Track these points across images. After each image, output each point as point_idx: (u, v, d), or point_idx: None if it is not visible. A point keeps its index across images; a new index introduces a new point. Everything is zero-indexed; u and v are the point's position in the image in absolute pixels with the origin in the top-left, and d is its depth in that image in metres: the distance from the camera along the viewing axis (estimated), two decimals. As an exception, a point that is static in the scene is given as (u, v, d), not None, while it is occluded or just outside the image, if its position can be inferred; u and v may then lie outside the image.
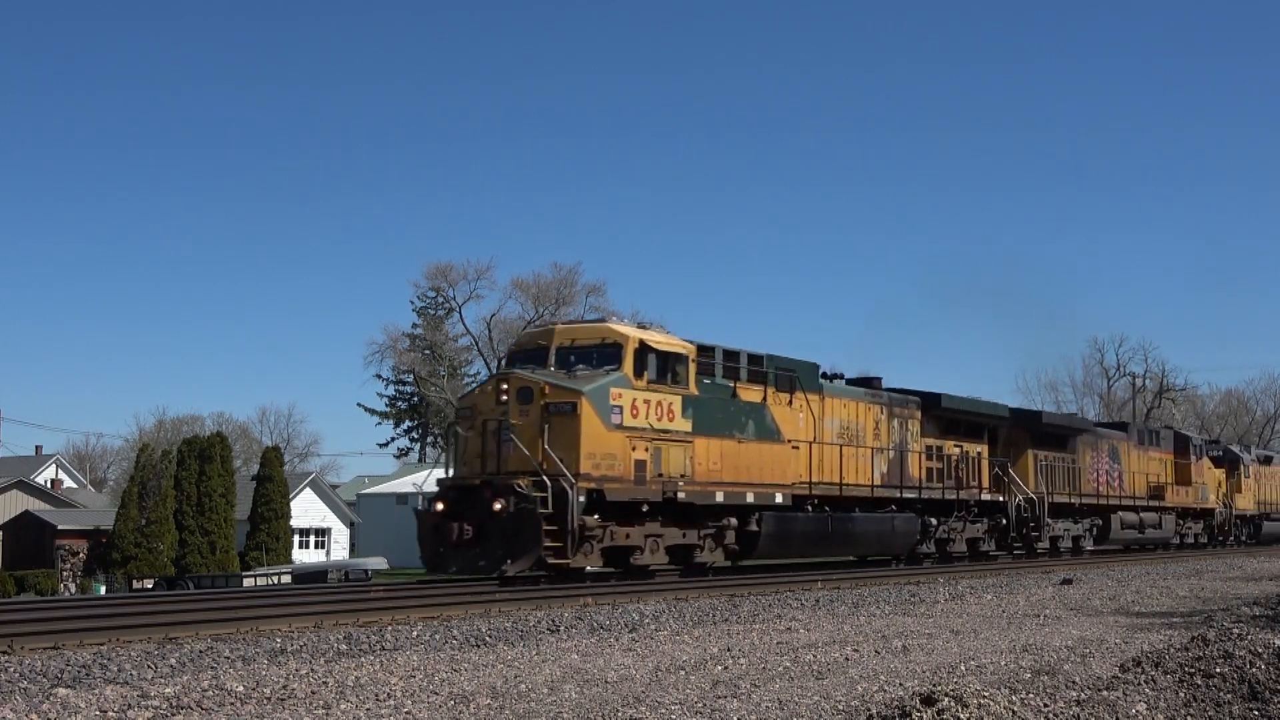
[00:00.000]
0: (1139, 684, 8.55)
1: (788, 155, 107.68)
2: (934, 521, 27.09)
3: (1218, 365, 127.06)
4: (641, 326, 20.84)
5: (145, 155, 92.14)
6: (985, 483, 29.70)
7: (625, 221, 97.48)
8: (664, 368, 19.92)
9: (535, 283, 57.90)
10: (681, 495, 19.79)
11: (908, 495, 26.20)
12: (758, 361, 22.55)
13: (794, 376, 23.19)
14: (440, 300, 56.22)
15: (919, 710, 6.99)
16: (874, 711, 7.49)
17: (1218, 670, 9.00)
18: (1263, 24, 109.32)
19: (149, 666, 9.73)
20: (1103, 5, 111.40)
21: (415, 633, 12.35)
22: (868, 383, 27.11)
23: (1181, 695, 8.49)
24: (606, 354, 19.51)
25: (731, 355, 21.91)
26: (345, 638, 11.75)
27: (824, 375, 24.94)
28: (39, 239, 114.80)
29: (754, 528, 21.52)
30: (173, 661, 10.01)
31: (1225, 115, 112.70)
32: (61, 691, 8.41)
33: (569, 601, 15.99)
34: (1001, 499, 30.03)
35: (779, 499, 21.97)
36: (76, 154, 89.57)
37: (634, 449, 19.11)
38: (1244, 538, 46.77)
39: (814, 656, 10.89)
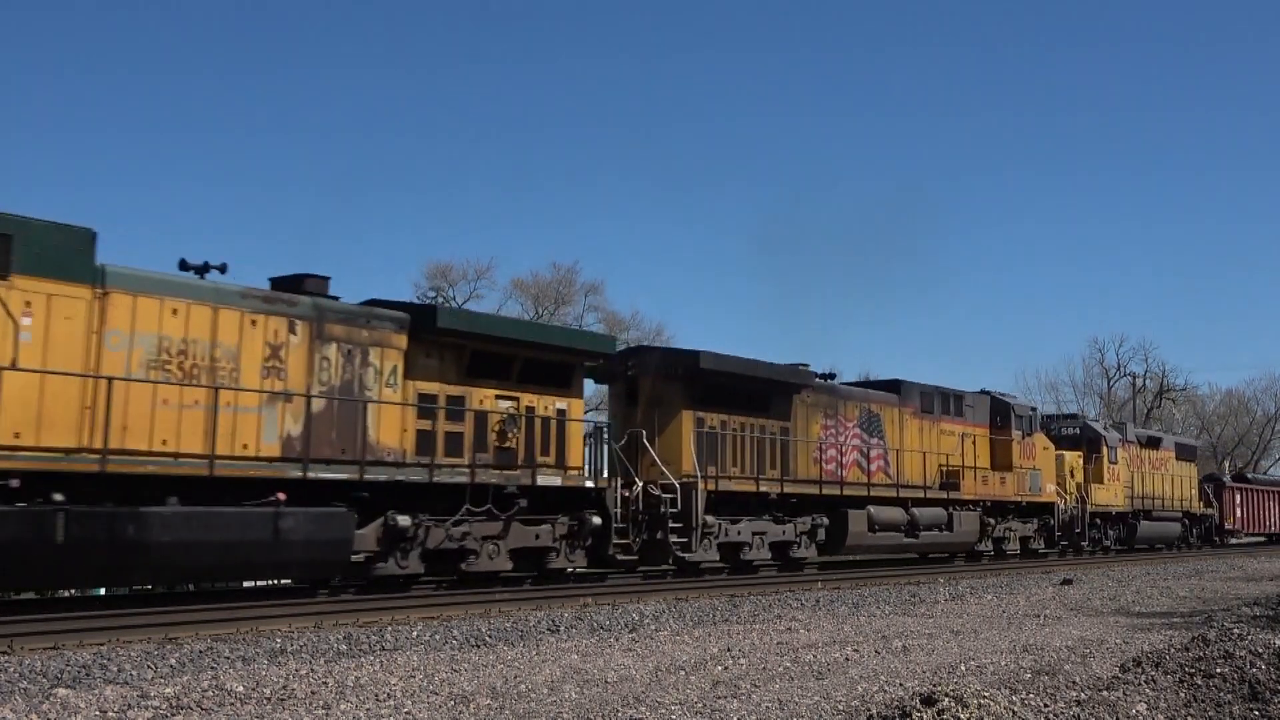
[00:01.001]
0: (1139, 684, 8.55)
1: (790, 155, 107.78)
2: (407, 522, 16.21)
3: (1218, 365, 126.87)
4: None
5: (144, 154, 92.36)
6: (576, 459, 19.12)
7: (625, 221, 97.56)
8: None
9: (535, 283, 57.92)
10: None
11: (325, 474, 15.28)
12: None
13: None
14: (440, 300, 56.25)
15: (919, 710, 6.99)
16: (874, 712, 7.49)
17: (1218, 670, 9.00)
18: (1262, 20, 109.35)
19: (149, 666, 9.74)
20: (1099, 5, 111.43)
21: (415, 633, 12.36)
22: (294, 284, 16.12)
23: (1182, 695, 8.50)
24: None
25: None
26: (345, 638, 11.76)
27: (187, 266, 15.08)
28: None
29: None
30: (173, 661, 10.02)
31: (1225, 115, 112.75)
32: (61, 691, 8.41)
33: (569, 601, 16.00)
34: (596, 485, 19.15)
35: None
36: (75, 155, 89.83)
37: None
38: (1109, 542, 36.29)
39: (814, 657, 10.89)
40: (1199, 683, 8.79)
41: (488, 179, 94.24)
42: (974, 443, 28.73)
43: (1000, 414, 30.20)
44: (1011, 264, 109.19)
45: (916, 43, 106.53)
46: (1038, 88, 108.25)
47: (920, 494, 26.35)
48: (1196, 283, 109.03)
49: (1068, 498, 33.30)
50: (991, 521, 29.10)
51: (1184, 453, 43.21)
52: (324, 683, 8.99)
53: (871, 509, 24.64)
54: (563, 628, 13.15)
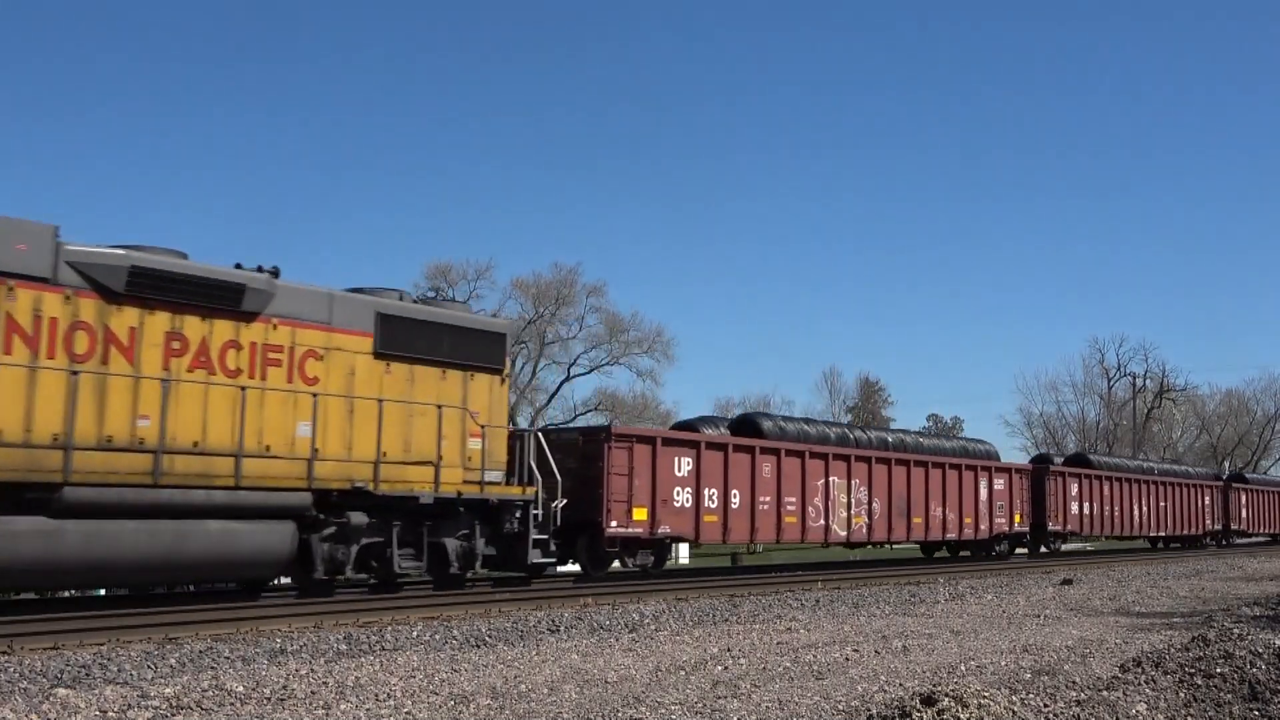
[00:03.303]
0: (1139, 684, 8.55)
1: (790, 154, 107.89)
2: None
3: (1218, 365, 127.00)
4: None
5: (143, 154, 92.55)
6: None
7: (626, 222, 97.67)
8: None
9: (535, 283, 57.84)
10: None
11: None
12: None
13: None
14: (440, 300, 56.25)
15: (919, 710, 6.99)
16: (874, 712, 7.49)
17: (1218, 670, 9.00)
18: (1261, 20, 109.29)
19: (149, 666, 9.73)
20: (1097, 4, 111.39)
21: (415, 633, 12.36)
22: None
23: (1182, 695, 8.49)
24: None
25: None
26: (345, 638, 11.75)
27: None
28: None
29: None
30: (173, 661, 10.01)
31: (1226, 115, 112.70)
32: (61, 691, 8.41)
33: (569, 602, 16.00)
34: None
35: None
36: (74, 158, 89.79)
37: None
38: None
39: (814, 657, 10.89)
40: (1199, 683, 8.79)
41: (488, 179, 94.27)
42: None
43: None
44: (1012, 264, 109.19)
45: (909, 59, 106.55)
46: (1037, 88, 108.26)
47: None
48: (1196, 283, 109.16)
49: None
50: None
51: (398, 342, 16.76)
52: (324, 683, 8.99)
53: None
54: (563, 628, 13.15)
